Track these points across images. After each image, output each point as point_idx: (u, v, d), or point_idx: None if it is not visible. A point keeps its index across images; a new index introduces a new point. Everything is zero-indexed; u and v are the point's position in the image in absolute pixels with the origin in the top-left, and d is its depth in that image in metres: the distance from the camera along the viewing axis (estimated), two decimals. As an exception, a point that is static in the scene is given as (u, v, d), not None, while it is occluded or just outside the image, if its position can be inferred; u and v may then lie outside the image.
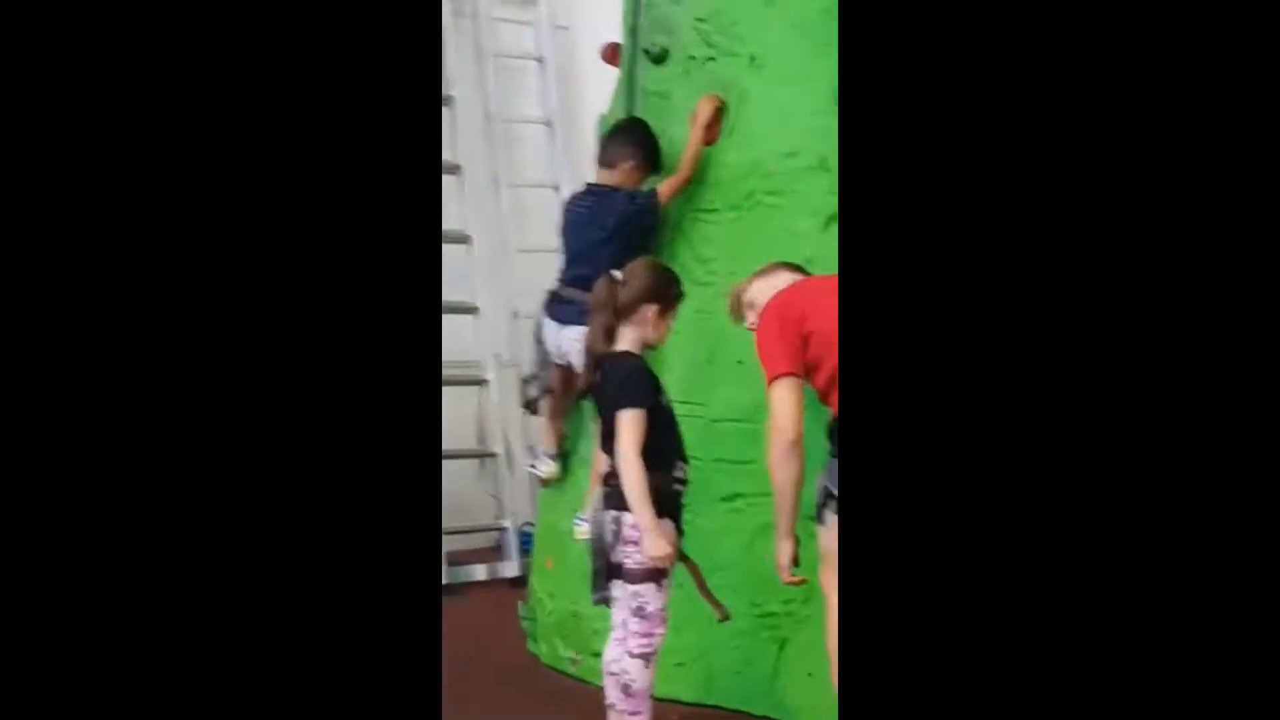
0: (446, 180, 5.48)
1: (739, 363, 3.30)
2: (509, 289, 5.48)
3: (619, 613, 2.85)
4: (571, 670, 3.64)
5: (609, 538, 2.78)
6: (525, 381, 4.12)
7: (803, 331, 2.74)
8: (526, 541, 4.83)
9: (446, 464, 4.99)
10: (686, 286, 3.15)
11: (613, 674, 2.83)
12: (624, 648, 2.82)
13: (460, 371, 5.32)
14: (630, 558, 2.74)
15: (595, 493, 2.87)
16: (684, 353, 3.37)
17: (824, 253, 3.24)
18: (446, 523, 4.77)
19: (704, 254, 3.47)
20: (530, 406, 4.12)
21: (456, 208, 5.40)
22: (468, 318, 5.34)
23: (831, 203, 3.30)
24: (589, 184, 3.76)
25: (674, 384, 3.29)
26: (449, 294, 5.31)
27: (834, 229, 3.31)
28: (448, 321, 5.34)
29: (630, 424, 2.73)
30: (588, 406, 3.43)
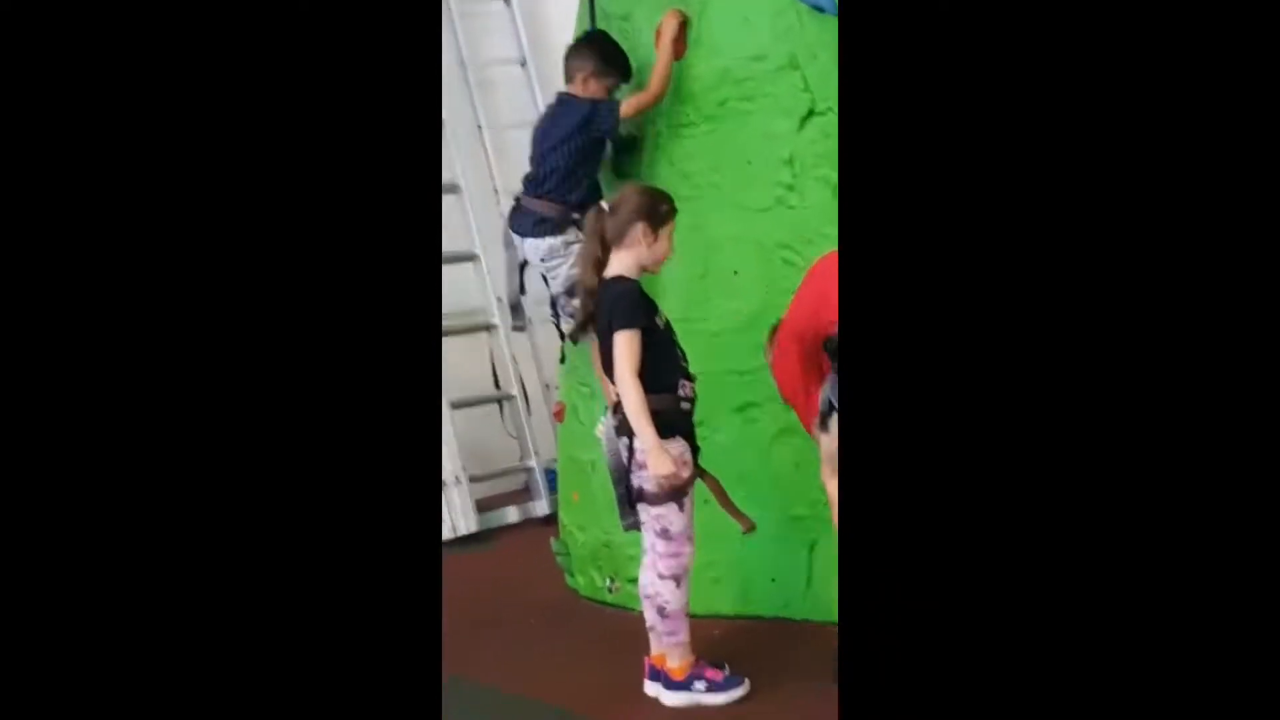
0: (429, 131, 5.40)
1: (734, 273, 3.30)
2: (502, 232, 5.44)
3: (648, 536, 2.88)
4: (610, 598, 3.69)
5: (625, 463, 2.79)
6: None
7: (819, 338, 2.78)
8: (554, 479, 4.82)
9: (467, 412, 5.11)
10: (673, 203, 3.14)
11: (648, 597, 2.86)
12: (655, 570, 2.85)
13: (467, 320, 5.40)
14: (646, 481, 2.76)
15: (608, 421, 2.90)
16: (678, 270, 3.37)
17: (803, 151, 3.24)
18: (472, 470, 4.93)
19: (687, 169, 3.45)
20: (517, 318, 4.25)
21: (443, 158, 5.32)
22: (468, 265, 5.36)
23: (805, 100, 3.27)
24: (558, 93, 3.82)
25: (672, 302, 3.30)
26: (445, 244, 5.32)
27: (811, 125, 3.29)
28: (448, 271, 5.33)
29: (624, 345, 2.73)
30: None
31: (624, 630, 3.35)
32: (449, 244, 5.38)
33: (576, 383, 3.86)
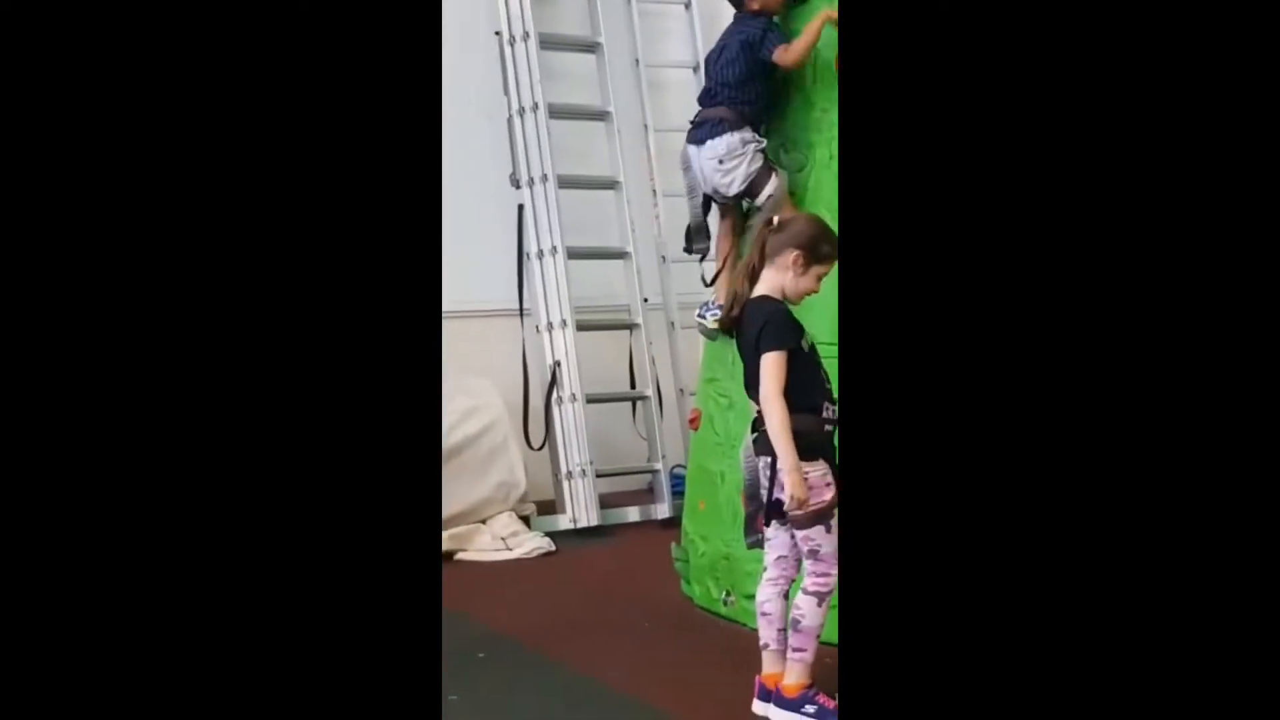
0: (596, 126, 5.58)
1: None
2: (656, 233, 5.59)
3: (771, 553, 2.92)
4: (724, 611, 3.71)
5: (764, 481, 2.82)
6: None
7: None
8: (678, 484, 4.91)
9: (600, 407, 5.21)
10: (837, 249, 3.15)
11: (765, 614, 2.89)
12: (776, 588, 2.89)
13: (612, 316, 5.50)
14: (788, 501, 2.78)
15: (747, 439, 2.92)
16: (826, 295, 3.36)
17: None
18: (600, 465, 5.03)
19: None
20: (689, 245, 4.23)
21: (606, 153, 5.49)
22: (618, 263, 5.46)
23: None
24: (735, 13, 3.96)
25: (821, 326, 3.30)
26: (601, 239, 5.46)
27: None
28: (599, 266, 5.51)
29: (770, 366, 2.80)
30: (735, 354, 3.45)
31: (736, 645, 3.38)
32: (604, 239, 5.51)
33: (715, 393, 3.87)
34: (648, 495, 5.39)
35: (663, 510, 5.17)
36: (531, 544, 4.78)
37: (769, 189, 3.65)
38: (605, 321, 5.45)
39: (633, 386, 5.45)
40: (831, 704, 2.83)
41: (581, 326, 5.23)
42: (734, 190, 3.73)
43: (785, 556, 2.94)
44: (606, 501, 5.13)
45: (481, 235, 5.41)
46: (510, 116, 5.36)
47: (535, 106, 5.28)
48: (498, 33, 5.39)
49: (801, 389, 2.82)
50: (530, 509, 5.09)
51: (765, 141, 3.75)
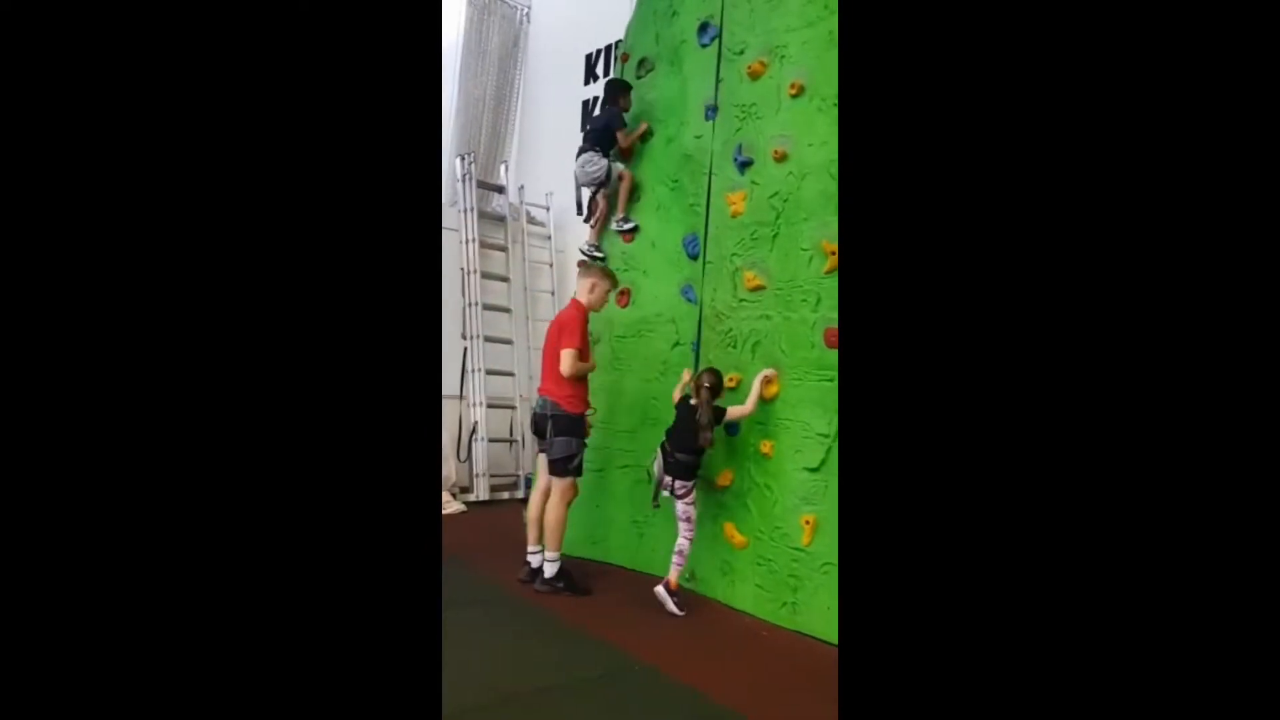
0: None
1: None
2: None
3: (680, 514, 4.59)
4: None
5: (663, 481, 4.59)
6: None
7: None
8: (529, 482, 6.77)
9: (490, 444, 7.49)
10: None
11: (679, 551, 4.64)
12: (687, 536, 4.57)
13: (504, 401, 7.73)
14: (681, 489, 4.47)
15: (660, 458, 4.68)
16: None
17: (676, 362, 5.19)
18: (492, 470, 7.47)
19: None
20: (579, 211, 6.12)
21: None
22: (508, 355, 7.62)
23: (672, 337, 5.11)
24: (601, 101, 6.28)
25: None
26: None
27: (678, 350, 5.09)
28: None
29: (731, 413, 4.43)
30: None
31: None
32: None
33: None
34: (514, 486, 7.68)
35: (520, 494, 7.51)
36: (454, 508, 6.87)
37: (611, 175, 5.77)
38: (501, 403, 7.65)
39: (511, 433, 7.81)
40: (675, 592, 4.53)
41: (490, 405, 7.41)
42: (596, 178, 5.79)
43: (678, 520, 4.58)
44: (495, 488, 7.49)
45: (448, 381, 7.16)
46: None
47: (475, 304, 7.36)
48: (462, 268, 7.53)
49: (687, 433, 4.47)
50: (456, 489, 7.20)
51: (607, 157, 5.80)
